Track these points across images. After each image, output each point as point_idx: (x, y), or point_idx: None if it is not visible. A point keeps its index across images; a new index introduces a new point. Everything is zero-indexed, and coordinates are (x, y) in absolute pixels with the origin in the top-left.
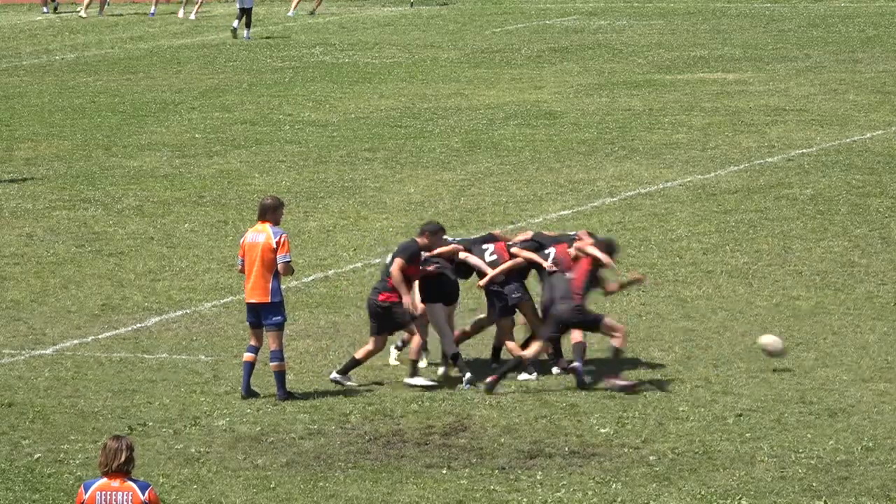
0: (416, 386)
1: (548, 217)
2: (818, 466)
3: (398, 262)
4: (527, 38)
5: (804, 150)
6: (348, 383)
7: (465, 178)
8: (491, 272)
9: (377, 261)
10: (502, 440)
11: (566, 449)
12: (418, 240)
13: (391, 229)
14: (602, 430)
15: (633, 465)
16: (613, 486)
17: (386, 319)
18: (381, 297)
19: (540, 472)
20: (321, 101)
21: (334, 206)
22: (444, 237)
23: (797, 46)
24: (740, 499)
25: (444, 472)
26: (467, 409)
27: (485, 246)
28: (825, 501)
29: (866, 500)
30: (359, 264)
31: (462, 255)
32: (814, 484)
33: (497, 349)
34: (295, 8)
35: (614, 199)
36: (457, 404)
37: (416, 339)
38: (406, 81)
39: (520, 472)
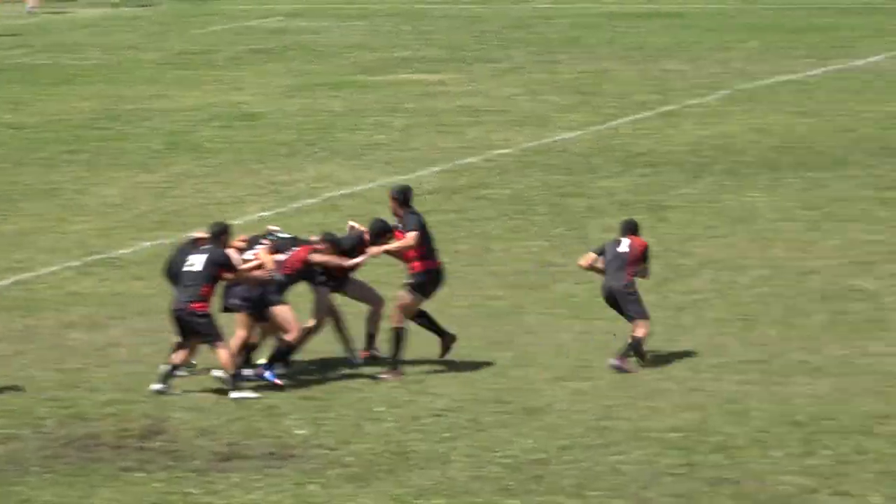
0: (240, 399)
1: (248, 219)
2: (514, 465)
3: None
4: (229, 40)
5: (504, 151)
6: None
7: (165, 179)
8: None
9: (76, 263)
10: (199, 442)
11: (263, 450)
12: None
13: (90, 231)
14: (299, 432)
15: (330, 465)
16: (310, 486)
17: (191, 328)
18: (194, 307)
19: (236, 474)
20: (19, 103)
21: (32, 208)
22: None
23: (499, 47)
24: (436, 498)
25: (140, 475)
26: (164, 411)
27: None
28: (520, 500)
29: (561, 499)
30: (56, 267)
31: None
32: (509, 483)
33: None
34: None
35: (315, 200)
36: (153, 407)
37: (225, 352)
38: (107, 83)
39: (216, 474)
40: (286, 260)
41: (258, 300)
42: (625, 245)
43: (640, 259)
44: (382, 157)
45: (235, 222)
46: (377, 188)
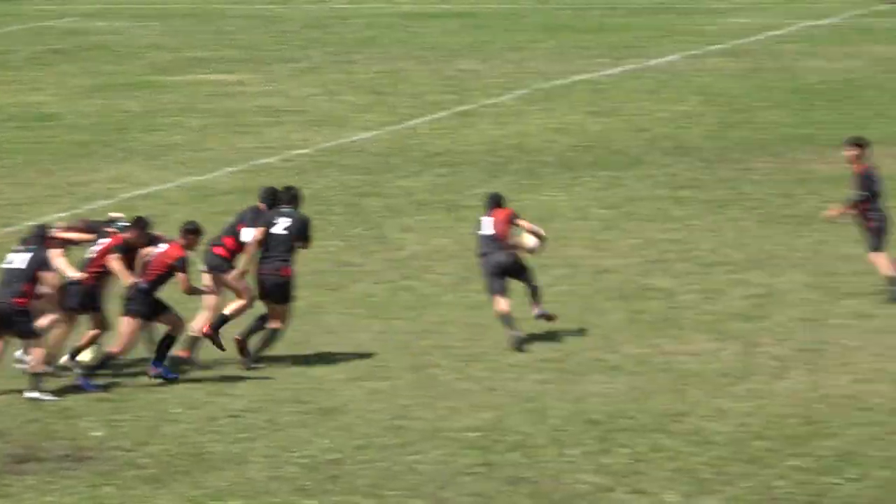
0: (35, 399)
1: (45, 220)
2: (311, 465)
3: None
4: (26, 40)
5: (302, 151)
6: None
7: None
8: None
9: None
10: None
11: (58, 453)
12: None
13: None
14: (95, 433)
15: (125, 467)
16: (105, 489)
17: (11, 323)
18: (16, 301)
19: (31, 477)
20: None
21: None
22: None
23: (297, 47)
24: (233, 499)
25: None
26: None
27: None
28: (318, 500)
29: (357, 498)
30: None
31: None
32: (306, 483)
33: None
34: None
35: (111, 201)
36: None
37: (40, 351)
38: None
39: (11, 476)
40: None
41: (90, 300)
42: (488, 224)
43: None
44: (179, 158)
45: (31, 223)
46: (174, 189)
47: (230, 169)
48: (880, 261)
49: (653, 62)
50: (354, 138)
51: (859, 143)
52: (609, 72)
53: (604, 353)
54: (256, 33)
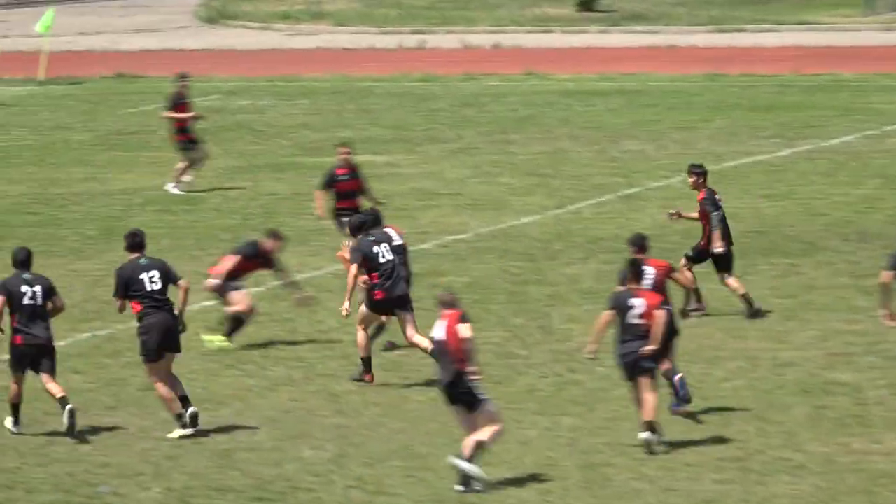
0: None
1: (191, 309)
2: None
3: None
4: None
5: (459, 236)
6: None
7: (101, 267)
8: None
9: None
10: None
11: None
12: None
13: None
14: None
15: None
16: None
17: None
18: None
19: None
20: None
21: None
22: None
23: (449, 126)
24: None
25: None
26: None
27: None
28: None
29: None
30: None
31: None
32: None
33: None
34: None
35: (260, 288)
36: None
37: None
38: (36, 165)
39: None
40: None
41: None
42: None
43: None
44: (330, 243)
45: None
46: (326, 276)
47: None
48: None
49: (828, 142)
50: (514, 222)
51: None
52: (782, 153)
53: (788, 452)
54: (405, 112)
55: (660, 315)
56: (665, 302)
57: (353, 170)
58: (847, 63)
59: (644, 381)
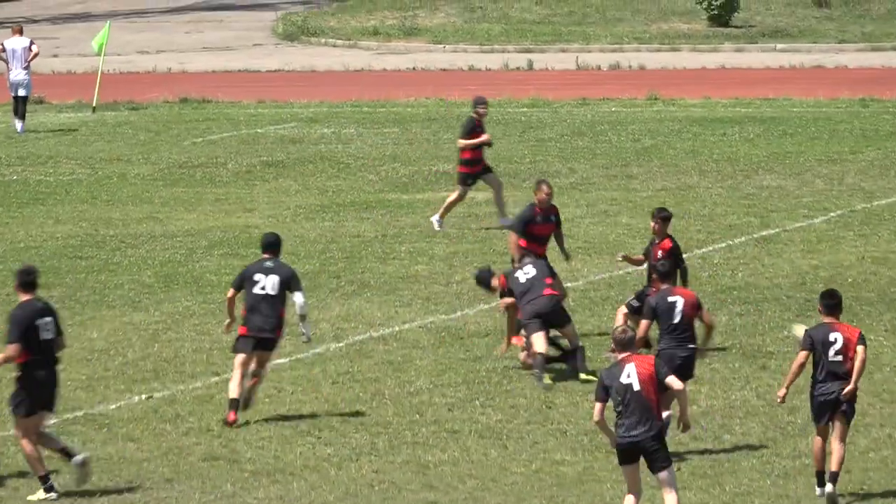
0: None
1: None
2: None
3: None
4: (234, 150)
5: (569, 284)
6: None
7: (159, 319)
8: None
9: (52, 421)
10: None
11: None
12: None
13: (70, 383)
14: None
15: None
16: None
17: None
18: None
19: None
20: None
21: None
22: None
23: (560, 159)
24: None
25: None
26: None
27: None
28: None
29: None
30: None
31: None
32: None
33: None
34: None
35: (340, 344)
36: None
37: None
38: (88, 203)
39: None
40: None
41: None
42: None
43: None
44: (422, 293)
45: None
46: (416, 329)
47: (485, 306)
48: None
49: None
50: (633, 269)
51: None
52: None
53: None
54: (510, 142)
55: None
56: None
57: (550, 212)
58: None
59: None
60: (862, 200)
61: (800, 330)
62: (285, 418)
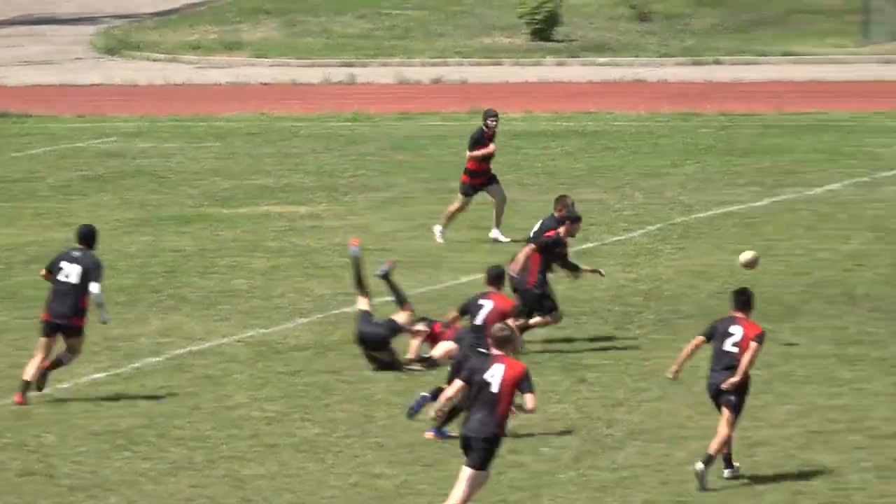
0: None
1: (79, 382)
2: None
3: None
4: (54, 164)
5: (389, 299)
6: None
7: None
8: None
9: None
10: None
11: None
12: None
13: None
14: None
15: None
16: None
17: None
18: None
19: None
20: None
21: None
22: None
23: (380, 173)
24: None
25: None
26: None
27: None
28: None
29: None
30: None
31: None
32: None
33: None
34: None
35: (159, 358)
36: None
37: None
38: None
39: None
40: None
41: None
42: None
43: None
44: (241, 307)
45: (63, 386)
46: (235, 344)
47: (303, 320)
48: None
49: (813, 191)
50: (453, 282)
51: None
52: (760, 203)
53: None
54: (331, 156)
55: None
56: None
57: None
58: (837, 100)
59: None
60: (681, 214)
61: None
62: (102, 433)
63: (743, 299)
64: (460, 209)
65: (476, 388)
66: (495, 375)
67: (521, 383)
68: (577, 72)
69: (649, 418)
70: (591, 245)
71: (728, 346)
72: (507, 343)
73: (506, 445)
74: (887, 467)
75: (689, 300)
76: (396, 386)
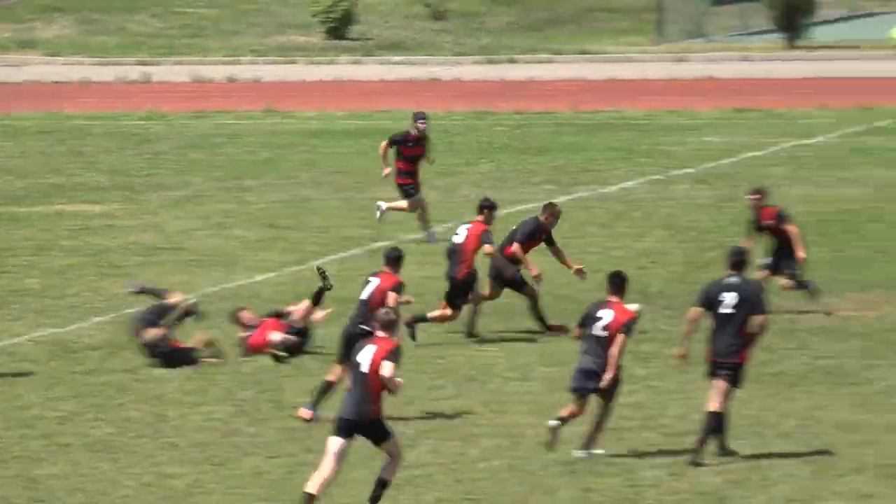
0: None
1: None
2: None
3: None
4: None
5: (189, 296)
6: None
7: None
8: None
9: None
10: None
11: None
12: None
13: None
14: None
15: None
16: None
17: None
18: None
19: None
20: None
21: None
22: None
23: (175, 172)
24: None
25: None
26: None
27: None
28: None
29: None
30: None
31: None
32: None
33: None
34: None
35: None
36: None
37: None
38: None
39: None
40: None
41: None
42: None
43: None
44: (33, 306)
45: None
46: (27, 343)
47: (98, 319)
48: None
49: (607, 189)
50: (247, 281)
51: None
52: (556, 201)
53: None
54: (126, 155)
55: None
56: None
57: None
58: (631, 99)
59: None
60: (476, 212)
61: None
62: None
63: (616, 281)
64: (409, 209)
65: (352, 369)
66: (366, 356)
67: (386, 359)
68: (372, 70)
69: (443, 416)
70: (385, 243)
71: (598, 329)
72: (391, 326)
73: (299, 445)
74: (679, 464)
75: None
76: (188, 385)
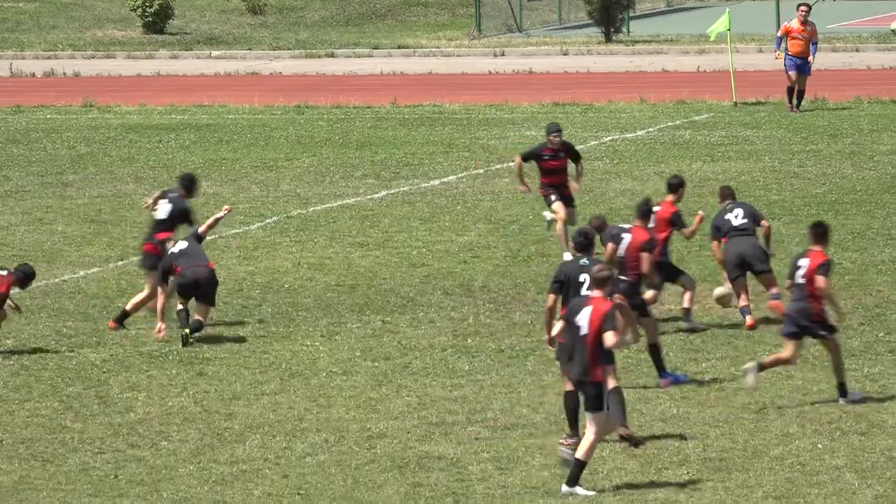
0: None
1: None
2: None
3: None
4: None
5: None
6: None
7: None
8: None
9: None
10: None
11: None
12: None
13: None
14: None
15: None
16: None
17: None
18: None
19: None
20: None
21: None
22: None
23: None
24: None
25: None
26: None
27: None
28: None
29: None
30: None
31: None
32: None
33: None
34: None
35: None
36: None
37: None
38: None
39: None
40: None
41: None
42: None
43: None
44: None
45: None
46: None
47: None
48: None
49: (429, 183)
50: (70, 276)
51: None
52: (377, 195)
53: None
54: None
55: None
56: None
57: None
58: (451, 93)
59: None
60: (297, 206)
61: None
62: None
63: (819, 231)
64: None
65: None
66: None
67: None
68: (191, 65)
69: (268, 411)
70: (209, 238)
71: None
72: (605, 283)
73: (124, 440)
74: (506, 458)
75: (307, 292)
76: (14, 381)
